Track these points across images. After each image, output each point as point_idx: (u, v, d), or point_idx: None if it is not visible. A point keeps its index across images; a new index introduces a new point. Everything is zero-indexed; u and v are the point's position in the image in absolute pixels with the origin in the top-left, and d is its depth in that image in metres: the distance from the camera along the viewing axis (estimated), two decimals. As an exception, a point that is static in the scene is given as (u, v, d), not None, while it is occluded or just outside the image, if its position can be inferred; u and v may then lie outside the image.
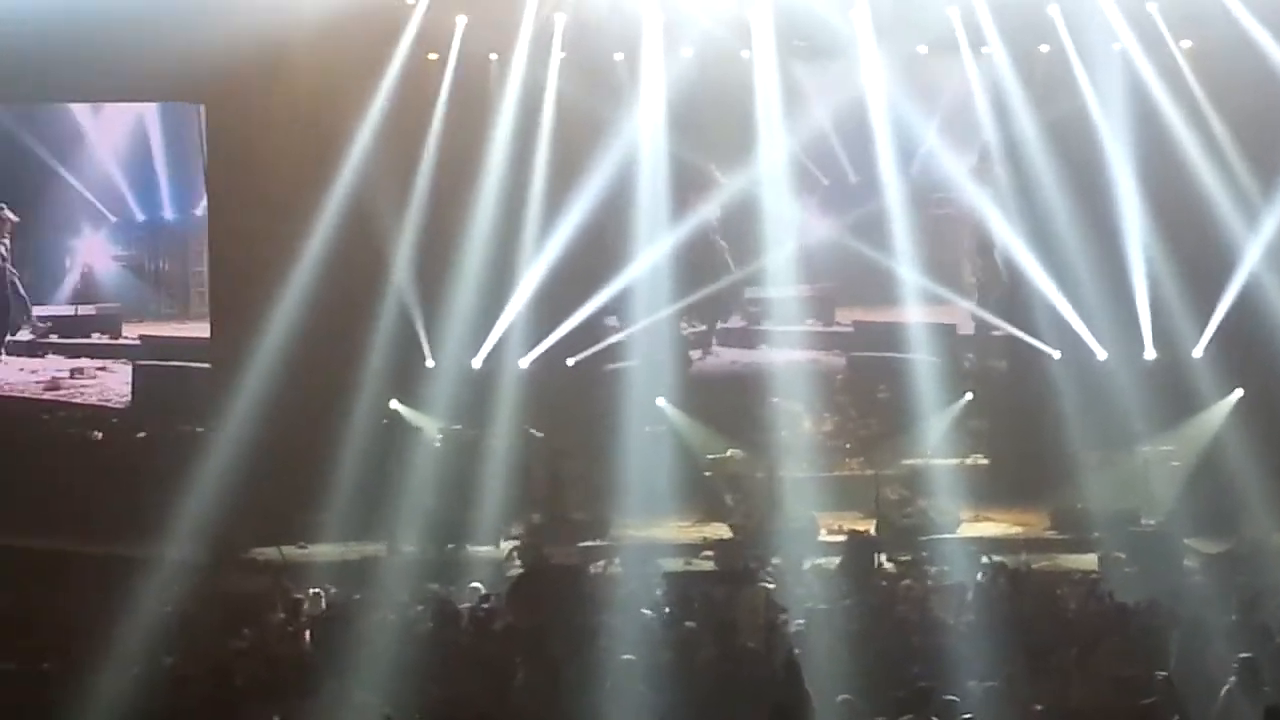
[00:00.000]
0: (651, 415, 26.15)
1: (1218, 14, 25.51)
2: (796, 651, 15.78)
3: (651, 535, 24.25)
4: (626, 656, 15.68)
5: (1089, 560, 22.13)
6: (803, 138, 27.69)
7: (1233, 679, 14.57)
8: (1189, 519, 23.63)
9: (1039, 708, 14.60)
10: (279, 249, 25.52)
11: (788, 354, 28.29)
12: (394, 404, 25.91)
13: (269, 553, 23.55)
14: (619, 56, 27.08)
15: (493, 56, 26.91)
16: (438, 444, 25.28)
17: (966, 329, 28.57)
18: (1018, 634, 16.23)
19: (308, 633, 17.63)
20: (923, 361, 26.94)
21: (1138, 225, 26.38)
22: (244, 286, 26.27)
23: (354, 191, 25.82)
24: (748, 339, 29.00)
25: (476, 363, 26.69)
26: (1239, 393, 25.76)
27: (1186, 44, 26.29)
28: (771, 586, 19.69)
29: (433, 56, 26.54)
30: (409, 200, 26.30)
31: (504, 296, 26.68)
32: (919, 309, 27.59)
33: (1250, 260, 26.00)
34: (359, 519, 23.95)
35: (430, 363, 26.55)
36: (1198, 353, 26.25)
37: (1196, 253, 26.10)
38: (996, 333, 28.09)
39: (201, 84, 25.76)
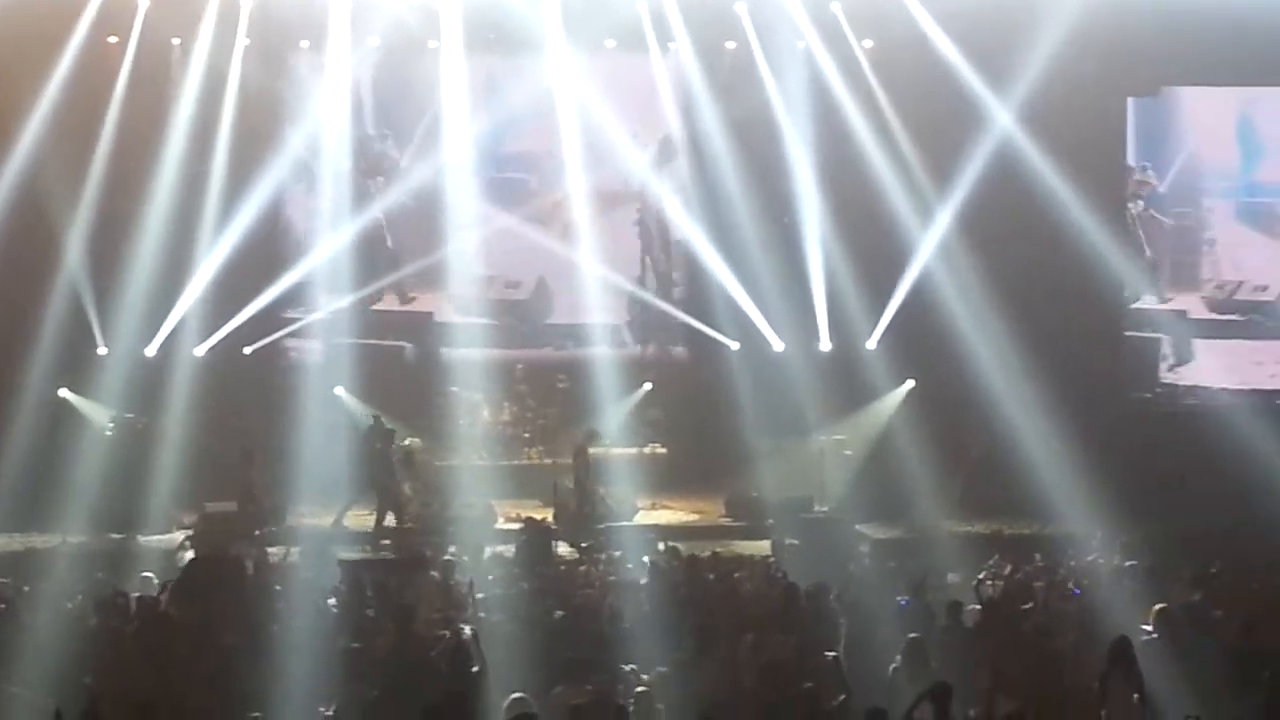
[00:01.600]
0: (329, 404, 25.88)
1: (899, 15, 26.20)
2: (469, 633, 15.71)
3: (328, 523, 24.07)
4: (302, 644, 15.50)
5: (763, 546, 22.41)
6: (487, 128, 27.75)
7: (899, 658, 14.86)
8: (861, 506, 24.25)
9: (711, 689, 14.71)
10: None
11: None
12: (63, 392, 25.32)
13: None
14: (304, 44, 26.86)
15: (175, 41, 26.59)
16: (109, 432, 24.76)
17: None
18: (692, 618, 16.32)
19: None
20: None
21: (816, 220, 26.93)
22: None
23: (27, 173, 25.44)
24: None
25: (150, 350, 26.30)
26: (910, 384, 26.39)
27: (868, 43, 26.96)
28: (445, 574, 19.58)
29: (113, 39, 26.15)
30: (84, 183, 25.90)
31: (180, 283, 26.36)
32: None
33: (924, 255, 26.66)
34: (25, 509, 23.34)
35: (102, 349, 26.12)
36: (871, 344, 26.90)
37: (872, 247, 26.71)
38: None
39: None
